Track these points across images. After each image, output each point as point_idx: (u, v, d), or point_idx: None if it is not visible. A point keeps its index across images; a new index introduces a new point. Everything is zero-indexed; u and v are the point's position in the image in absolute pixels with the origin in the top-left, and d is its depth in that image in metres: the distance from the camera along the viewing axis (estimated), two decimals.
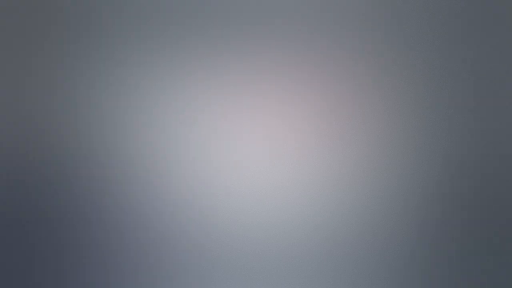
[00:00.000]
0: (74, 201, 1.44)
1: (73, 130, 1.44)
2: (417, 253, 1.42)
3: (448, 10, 1.44)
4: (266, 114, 1.43)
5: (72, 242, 1.44)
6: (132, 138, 1.44)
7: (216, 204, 1.43)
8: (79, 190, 1.44)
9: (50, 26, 1.46)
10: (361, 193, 1.42)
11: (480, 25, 1.43)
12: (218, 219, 1.43)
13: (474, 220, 1.42)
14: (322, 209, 1.43)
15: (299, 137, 1.43)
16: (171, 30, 1.45)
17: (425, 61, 1.43)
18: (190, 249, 1.44)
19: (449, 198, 1.42)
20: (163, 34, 1.44)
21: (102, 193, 1.44)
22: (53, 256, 1.44)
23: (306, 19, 1.44)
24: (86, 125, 1.44)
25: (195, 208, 1.44)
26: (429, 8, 1.44)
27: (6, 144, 1.45)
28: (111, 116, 1.44)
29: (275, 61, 1.44)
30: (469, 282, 1.42)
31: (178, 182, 1.43)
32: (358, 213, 1.42)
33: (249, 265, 1.43)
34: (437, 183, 1.42)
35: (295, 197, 1.43)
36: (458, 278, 1.42)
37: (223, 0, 1.45)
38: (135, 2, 1.45)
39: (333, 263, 1.43)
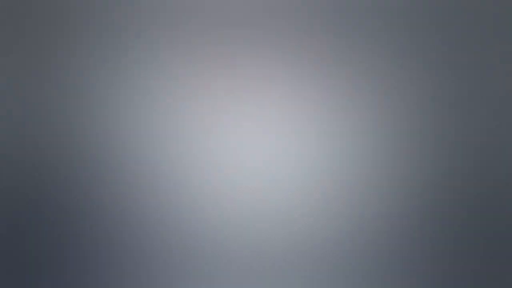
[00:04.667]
0: (74, 201, 1.44)
1: (74, 130, 1.44)
2: (417, 252, 1.42)
3: (448, 10, 1.44)
4: (267, 113, 1.44)
5: (72, 242, 1.44)
6: (133, 138, 1.44)
7: (217, 203, 1.44)
8: (79, 190, 1.44)
9: (51, 26, 1.46)
10: (361, 192, 1.42)
11: (481, 25, 1.43)
12: (219, 218, 1.44)
13: (475, 220, 1.42)
14: (323, 208, 1.43)
15: (300, 136, 1.43)
16: (173, 29, 1.45)
17: (426, 61, 1.43)
18: (191, 248, 1.44)
19: (449, 198, 1.42)
20: (166, 34, 1.44)
21: (103, 194, 1.44)
22: (53, 257, 1.44)
23: (307, 18, 1.44)
24: (86, 125, 1.44)
25: (196, 208, 1.44)
26: (429, 8, 1.44)
27: (6, 144, 1.45)
28: (112, 117, 1.44)
29: (275, 60, 1.44)
30: (469, 282, 1.42)
31: (179, 180, 1.44)
32: (358, 213, 1.42)
33: (250, 264, 1.43)
34: (438, 183, 1.42)
35: (296, 196, 1.43)
36: (458, 278, 1.42)
37: (224, 0, 1.45)
38: (136, 2, 1.45)
39: (334, 262, 1.43)
